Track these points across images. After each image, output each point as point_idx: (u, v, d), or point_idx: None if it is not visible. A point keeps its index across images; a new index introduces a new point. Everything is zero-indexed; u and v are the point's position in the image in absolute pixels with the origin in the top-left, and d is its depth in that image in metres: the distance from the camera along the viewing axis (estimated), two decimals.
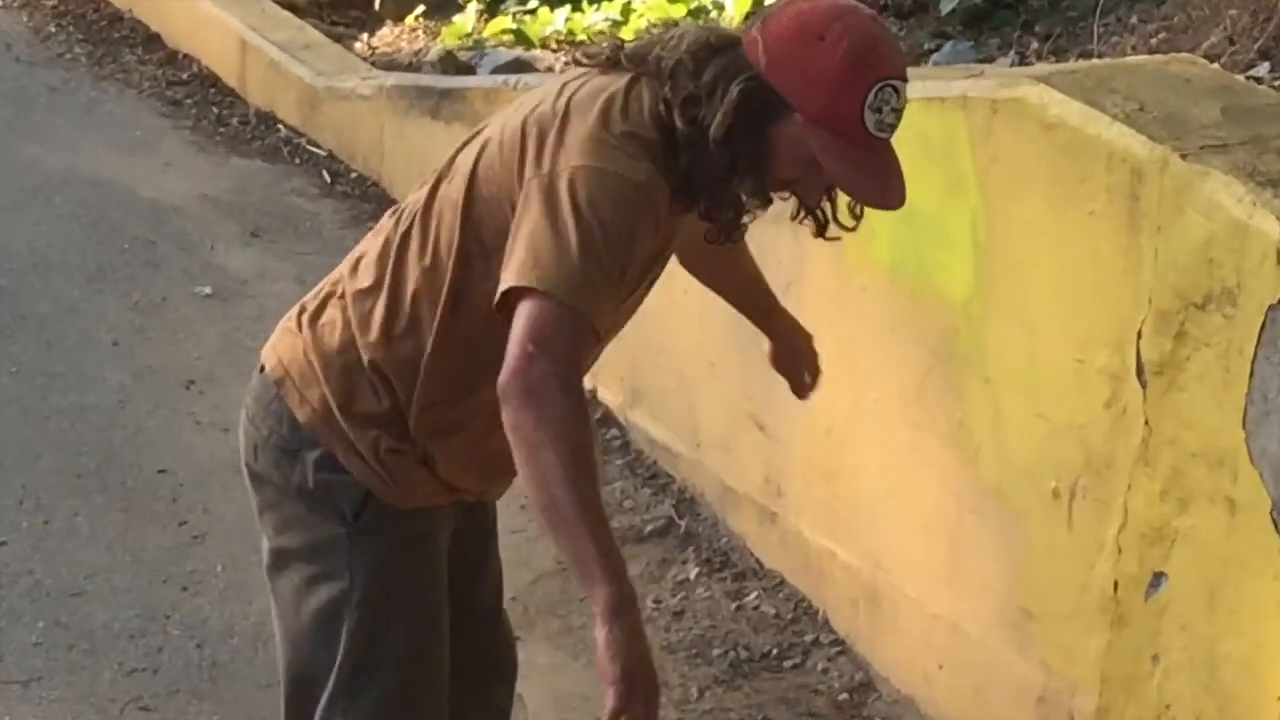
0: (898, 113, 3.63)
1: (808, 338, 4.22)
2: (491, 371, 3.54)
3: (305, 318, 3.88)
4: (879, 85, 3.57)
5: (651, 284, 3.91)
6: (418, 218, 3.80)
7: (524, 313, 3.49)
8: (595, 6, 9.97)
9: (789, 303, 5.43)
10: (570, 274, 3.51)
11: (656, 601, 5.80)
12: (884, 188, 3.73)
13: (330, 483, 3.86)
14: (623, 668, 3.47)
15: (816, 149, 3.58)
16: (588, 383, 6.27)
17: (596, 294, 3.55)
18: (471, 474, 3.94)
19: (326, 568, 3.91)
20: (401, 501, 3.85)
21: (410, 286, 3.78)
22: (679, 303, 6.04)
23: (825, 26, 3.61)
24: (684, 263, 4.33)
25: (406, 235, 3.81)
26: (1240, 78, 4.92)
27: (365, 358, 3.79)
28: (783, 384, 5.48)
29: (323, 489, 3.88)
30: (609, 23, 9.61)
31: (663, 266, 3.91)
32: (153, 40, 9.30)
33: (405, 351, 3.79)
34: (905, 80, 3.63)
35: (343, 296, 3.84)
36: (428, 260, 3.77)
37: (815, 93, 3.57)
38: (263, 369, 3.94)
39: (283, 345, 3.90)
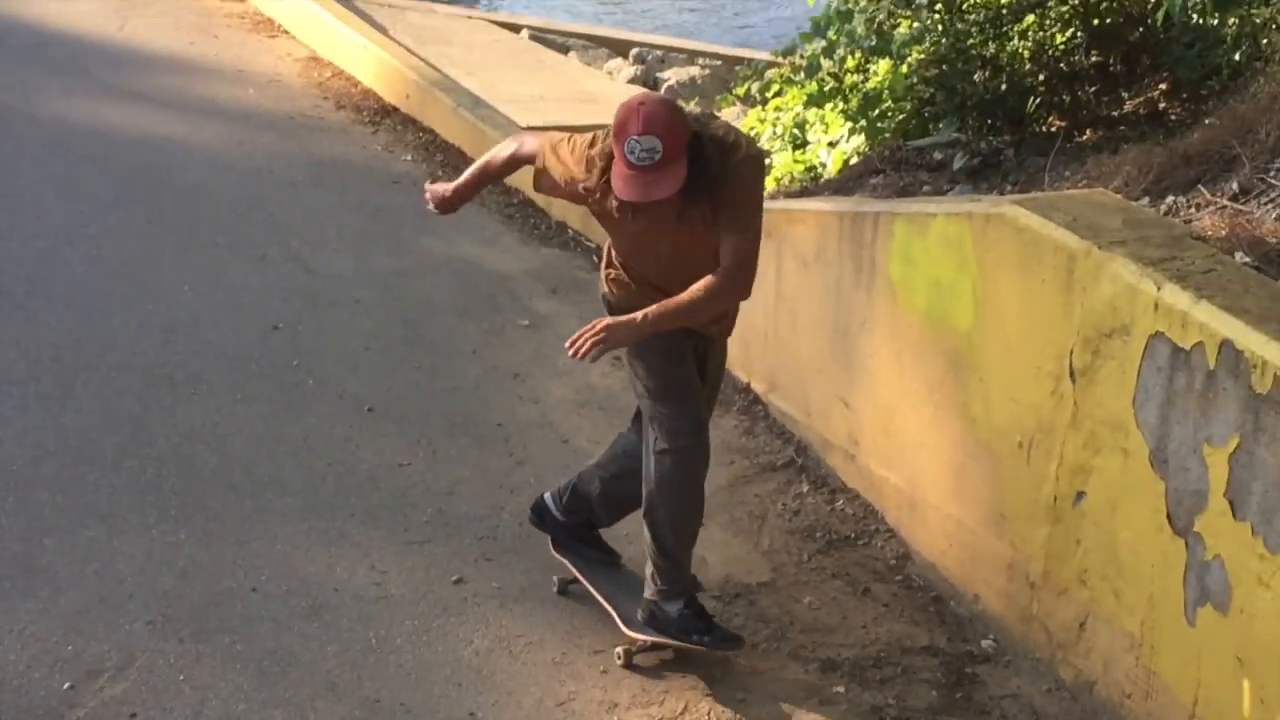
0: (648, 151, 4.14)
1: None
2: (633, 266, 4.63)
3: None
4: (626, 139, 4.14)
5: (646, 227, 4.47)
6: None
7: None
8: None
9: (865, 333, 5.49)
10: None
11: (784, 505, 5.79)
12: (629, 188, 4.20)
13: (606, 306, 4.75)
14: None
15: (614, 166, 4.25)
16: (759, 385, 6.30)
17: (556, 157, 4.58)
18: (645, 298, 4.49)
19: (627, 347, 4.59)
20: (629, 308, 4.47)
21: None
22: (800, 333, 6.06)
23: (618, 109, 4.25)
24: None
25: None
26: (1132, 203, 4.89)
27: (607, 255, 4.76)
28: (861, 377, 5.54)
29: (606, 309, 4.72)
30: None
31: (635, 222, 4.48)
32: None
33: (610, 252, 4.74)
34: (646, 134, 4.14)
35: None
36: None
37: (614, 140, 4.24)
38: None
39: None
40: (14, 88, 9.85)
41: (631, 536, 5.23)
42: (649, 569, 4.78)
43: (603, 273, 4.80)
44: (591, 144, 4.52)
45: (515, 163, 4.86)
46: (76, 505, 5.45)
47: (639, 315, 4.30)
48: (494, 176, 5.04)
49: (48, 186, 8.33)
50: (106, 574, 5.07)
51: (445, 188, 5.04)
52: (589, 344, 4.25)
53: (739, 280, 4.33)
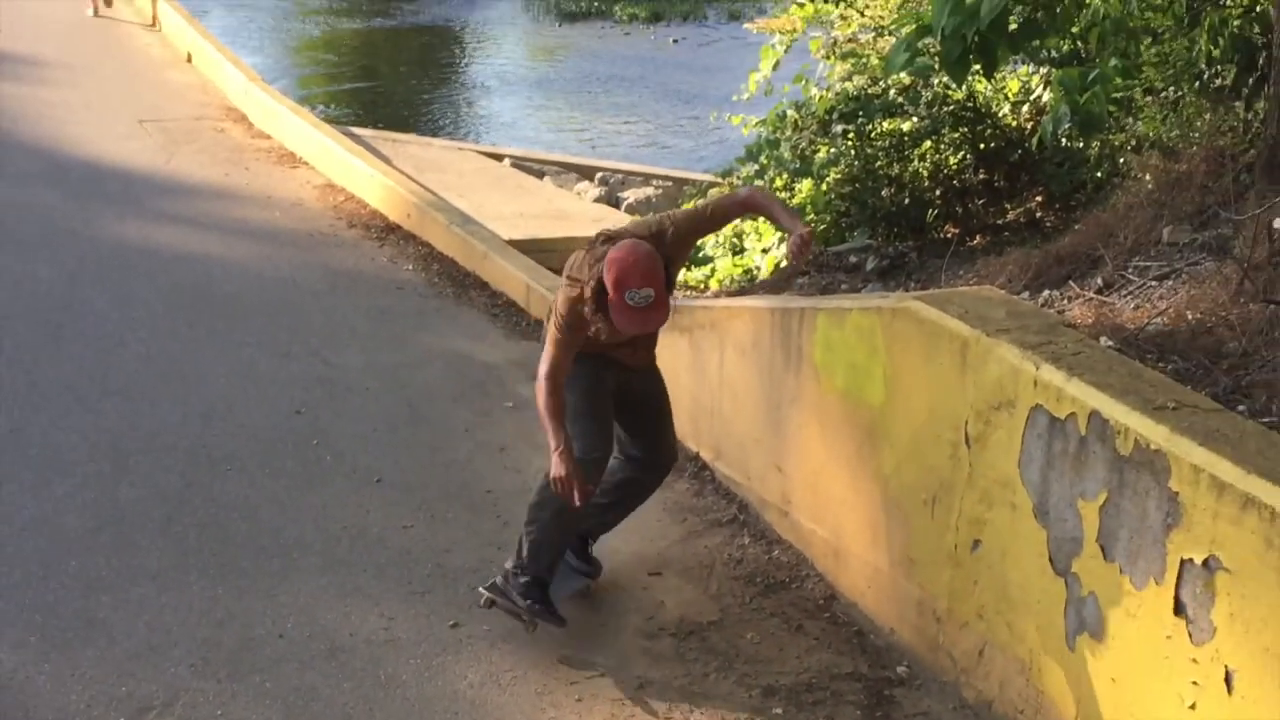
0: (645, 298, 4.47)
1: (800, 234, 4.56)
2: (604, 339, 4.76)
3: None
4: (627, 290, 4.45)
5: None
6: None
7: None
8: (699, 269, 9.72)
9: (794, 409, 5.50)
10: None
11: (729, 555, 5.74)
12: (633, 324, 4.55)
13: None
14: (554, 471, 4.64)
15: (613, 308, 4.51)
16: (707, 454, 6.28)
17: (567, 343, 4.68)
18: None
19: None
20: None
21: None
22: (740, 410, 6.07)
23: (611, 265, 4.51)
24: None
25: None
26: (1014, 297, 4.95)
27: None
28: (792, 446, 5.54)
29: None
30: (705, 276, 9.54)
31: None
32: (484, 285, 9.15)
33: None
34: (644, 286, 4.47)
35: None
36: None
37: (612, 292, 4.49)
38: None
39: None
40: (76, 215, 9.85)
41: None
42: (519, 548, 5.06)
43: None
44: (577, 296, 4.66)
45: (556, 383, 4.67)
46: (129, 567, 5.41)
47: (807, 226, 4.63)
48: (560, 410, 4.67)
49: (106, 298, 8.31)
50: (155, 625, 5.02)
51: (568, 476, 4.66)
52: (802, 253, 4.54)
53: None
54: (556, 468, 4.65)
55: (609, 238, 4.71)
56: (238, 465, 6.34)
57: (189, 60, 15.23)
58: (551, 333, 4.72)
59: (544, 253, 10.20)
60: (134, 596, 5.21)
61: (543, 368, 4.69)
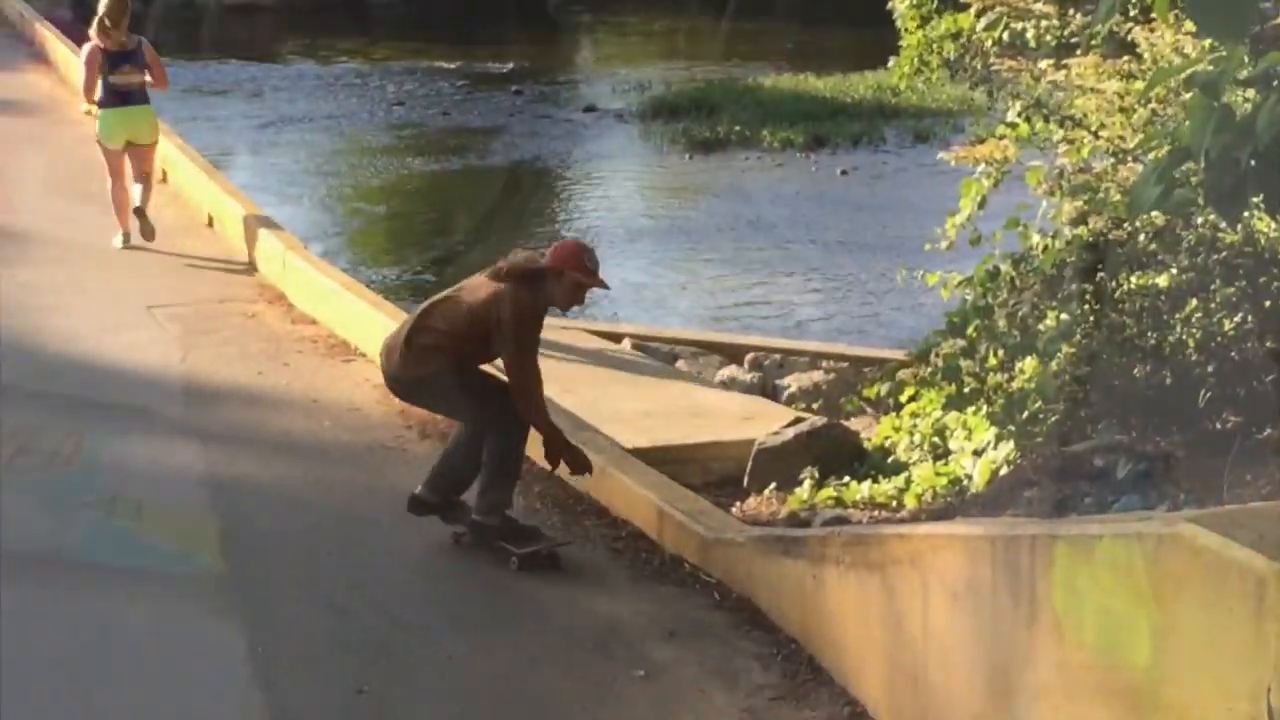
0: (597, 263, 8.17)
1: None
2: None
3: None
4: (588, 256, 8.09)
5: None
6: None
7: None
8: (888, 480, 9.78)
9: (1028, 672, 5.43)
10: None
11: None
12: (599, 282, 8.24)
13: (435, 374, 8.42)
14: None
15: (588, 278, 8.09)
16: None
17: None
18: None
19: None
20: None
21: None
22: (953, 675, 5.99)
23: (570, 250, 8.19)
24: None
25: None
26: None
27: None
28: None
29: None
30: (897, 490, 9.55)
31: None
32: (601, 511, 9.22)
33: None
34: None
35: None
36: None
37: (572, 265, 7.90)
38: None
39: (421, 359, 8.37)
40: (62, 437, 9.89)
41: None
42: (481, 501, 8.36)
43: (430, 355, 8.24)
44: (531, 301, 8.10)
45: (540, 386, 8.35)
46: None
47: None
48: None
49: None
50: None
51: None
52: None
53: None
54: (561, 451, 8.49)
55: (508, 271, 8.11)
56: None
57: (209, 224, 15.68)
58: (519, 350, 8.06)
59: (678, 464, 10.28)
60: None
61: (527, 380, 8.11)
